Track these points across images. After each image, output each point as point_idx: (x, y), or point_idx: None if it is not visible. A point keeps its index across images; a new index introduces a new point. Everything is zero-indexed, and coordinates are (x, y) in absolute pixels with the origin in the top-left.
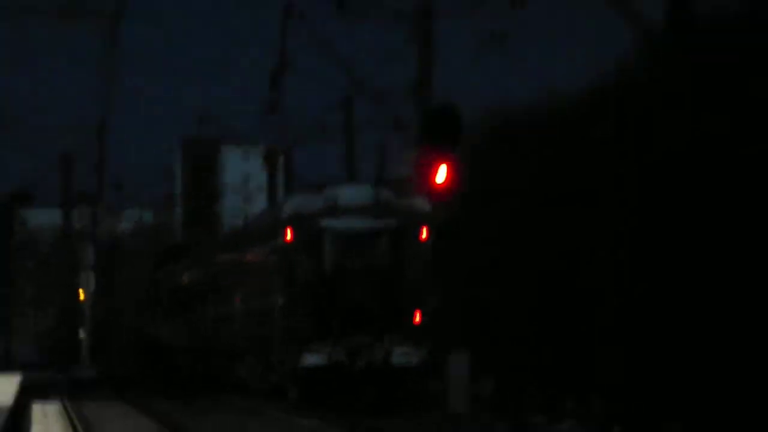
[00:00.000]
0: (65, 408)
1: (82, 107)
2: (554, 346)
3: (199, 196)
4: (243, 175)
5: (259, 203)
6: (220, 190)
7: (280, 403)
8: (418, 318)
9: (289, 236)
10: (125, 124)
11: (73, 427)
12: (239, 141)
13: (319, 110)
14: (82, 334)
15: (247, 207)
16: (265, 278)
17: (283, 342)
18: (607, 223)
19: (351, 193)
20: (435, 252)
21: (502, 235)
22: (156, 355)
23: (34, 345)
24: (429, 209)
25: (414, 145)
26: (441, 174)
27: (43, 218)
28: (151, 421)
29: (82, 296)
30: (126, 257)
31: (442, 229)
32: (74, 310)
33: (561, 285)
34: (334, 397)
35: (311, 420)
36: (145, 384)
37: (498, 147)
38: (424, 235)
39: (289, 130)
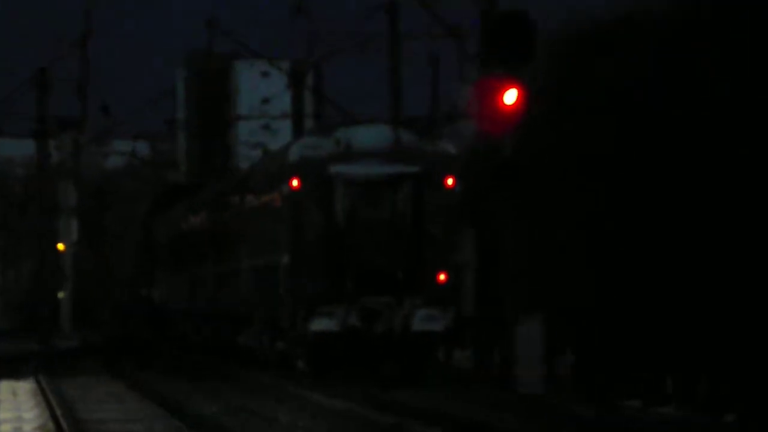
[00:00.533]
0: (40, 386)
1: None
2: (654, 313)
3: (208, 123)
4: (262, 98)
5: (283, 134)
6: (234, 116)
7: (294, 377)
8: (443, 277)
9: (295, 184)
10: (115, 35)
11: (51, 411)
12: (257, 55)
13: (356, 15)
14: (62, 294)
15: (267, 137)
16: (270, 232)
17: (290, 305)
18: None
19: (367, 135)
20: (497, 195)
21: (588, 171)
22: (150, 321)
23: (2, 308)
24: (456, 153)
25: (474, 60)
26: (509, 96)
27: (12, 150)
28: (150, 403)
29: (62, 248)
30: (116, 199)
31: (506, 165)
32: (52, 265)
33: (669, 236)
34: (347, 368)
35: (344, 401)
36: (140, 356)
37: (586, 60)
38: (450, 182)
39: (319, 40)
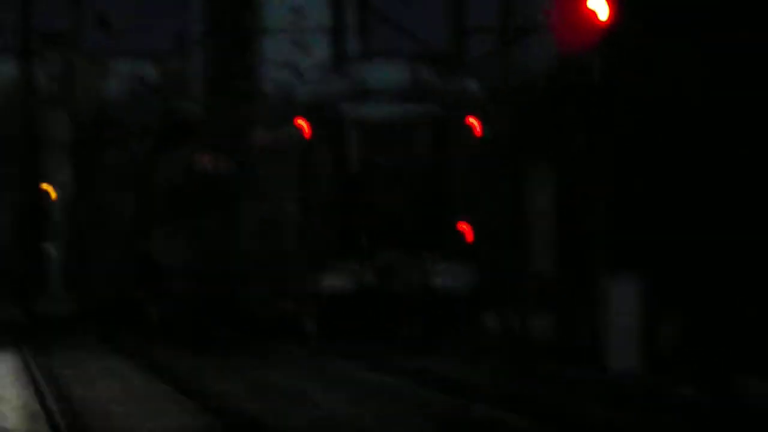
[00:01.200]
0: (26, 362)
1: None
2: None
3: (228, 39)
4: (294, 8)
5: (318, 52)
6: (260, 30)
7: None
8: (467, 231)
9: (305, 127)
10: None
11: (36, 389)
12: None
13: None
14: (51, 249)
15: (298, 56)
16: (277, 179)
17: (299, 261)
18: None
19: (383, 72)
20: (583, 128)
21: (701, 97)
22: (145, 280)
23: None
24: (480, 92)
25: None
26: (598, 4)
27: None
28: (158, 381)
29: (52, 194)
30: (117, 133)
31: (594, 90)
32: (40, 213)
33: None
34: (363, 331)
35: (379, 374)
36: (143, 323)
37: None
38: (474, 123)
39: None
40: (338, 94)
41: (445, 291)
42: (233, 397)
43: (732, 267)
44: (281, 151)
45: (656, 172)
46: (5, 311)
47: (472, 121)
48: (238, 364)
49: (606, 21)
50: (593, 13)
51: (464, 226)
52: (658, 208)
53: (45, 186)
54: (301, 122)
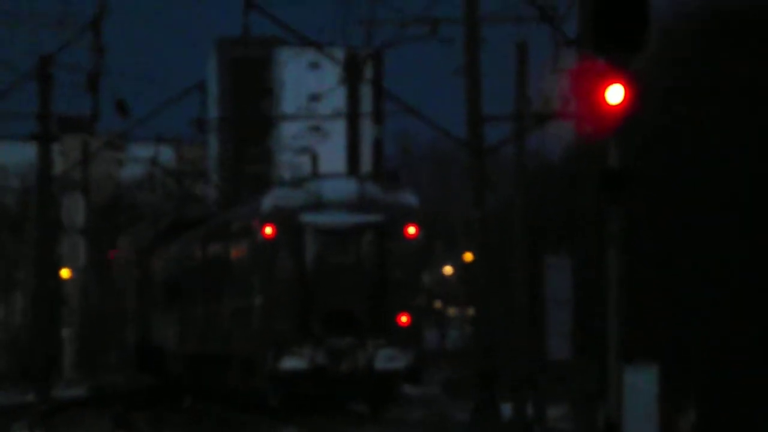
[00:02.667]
0: None
1: None
2: None
3: (244, 124)
4: (310, 94)
5: (335, 137)
6: (277, 115)
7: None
8: (404, 319)
9: (269, 232)
10: (135, 17)
11: None
12: (305, 42)
13: None
14: (66, 333)
15: (316, 141)
16: (245, 276)
17: (262, 344)
18: None
19: (334, 187)
20: (602, 207)
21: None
22: (150, 363)
23: None
24: (417, 204)
25: (570, 48)
26: (614, 93)
27: (7, 156)
28: None
29: (66, 275)
30: (132, 215)
31: (612, 176)
32: (54, 296)
33: None
34: (317, 405)
35: None
36: (158, 407)
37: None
38: (411, 231)
39: (380, 24)
40: (298, 205)
41: (386, 371)
42: None
43: (751, 354)
44: (250, 252)
45: (673, 259)
46: (19, 395)
47: (409, 227)
48: None
49: (623, 107)
50: (610, 100)
51: (404, 316)
52: (674, 296)
53: (61, 270)
54: (266, 228)
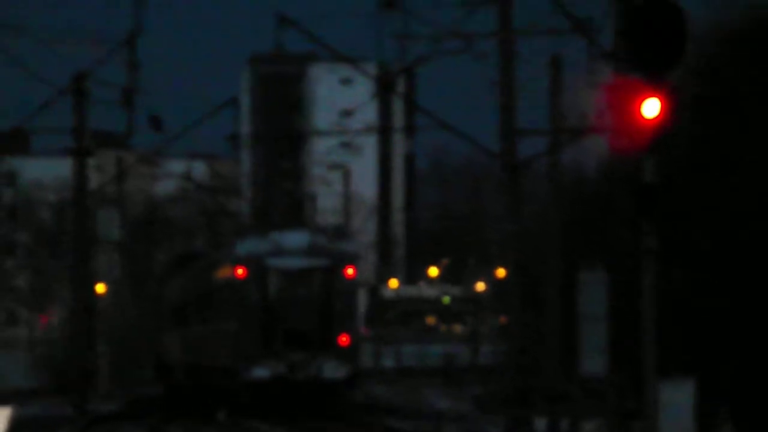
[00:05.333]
0: None
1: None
2: None
3: (277, 140)
4: (342, 109)
5: (367, 153)
6: (308, 129)
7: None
8: (345, 339)
9: (241, 272)
10: (169, 34)
11: None
12: (338, 57)
13: (459, 8)
14: (101, 346)
15: (348, 157)
16: (225, 305)
17: (237, 357)
18: None
19: (291, 237)
20: (637, 221)
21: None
22: (162, 375)
23: (29, 362)
24: (356, 252)
25: (606, 61)
26: (650, 107)
27: (42, 171)
28: None
29: (101, 289)
30: (166, 230)
31: (647, 192)
32: (89, 310)
33: None
34: (278, 404)
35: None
36: (192, 419)
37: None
38: (350, 272)
39: (413, 39)
40: (263, 252)
41: (331, 379)
42: None
43: None
44: (228, 287)
45: (708, 272)
46: (56, 408)
47: (348, 269)
48: None
49: (656, 123)
50: (646, 114)
51: (344, 336)
52: (709, 311)
53: (96, 284)
54: (239, 269)
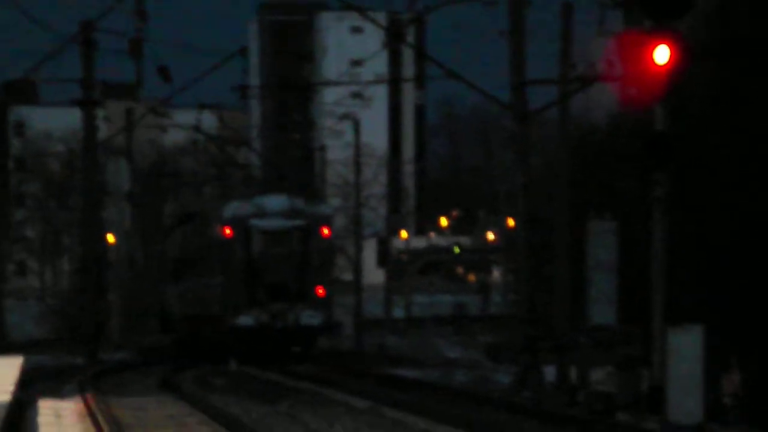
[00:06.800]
0: (88, 407)
1: None
2: None
3: (286, 90)
4: (352, 59)
5: (378, 103)
6: (318, 79)
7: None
8: (321, 291)
9: (228, 232)
10: None
11: None
12: (347, 6)
13: None
14: (111, 296)
15: (358, 107)
16: (215, 261)
17: (225, 308)
18: None
19: (272, 201)
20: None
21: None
22: (166, 325)
23: (41, 313)
24: (332, 212)
25: (616, 10)
26: (660, 54)
27: (51, 121)
28: (219, 428)
29: (111, 240)
30: (176, 181)
31: (659, 142)
32: (100, 261)
33: None
34: (261, 349)
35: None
36: (202, 369)
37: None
38: (326, 232)
39: None
40: (247, 214)
41: (308, 326)
42: None
43: None
44: (216, 245)
45: (720, 224)
46: (68, 359)
47: (324, 228)
48: (301, 413)
49: (667, 71)
50: (654, 63)
51: (320, 288)
52: (717, 259)
53: (106, 235)
54: (226, 229)
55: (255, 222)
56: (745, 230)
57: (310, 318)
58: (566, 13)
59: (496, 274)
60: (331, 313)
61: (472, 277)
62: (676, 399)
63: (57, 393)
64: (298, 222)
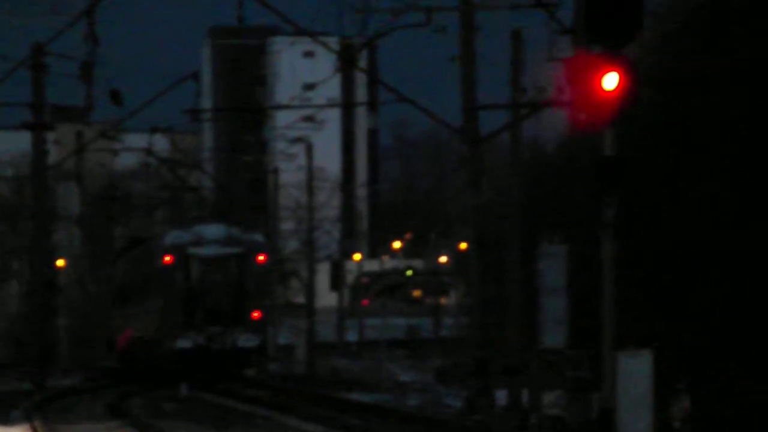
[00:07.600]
0: None
1: None
2: None
3: (239, 114)
4: (305, 83)
5: (330, 126)
6: (270, 102)
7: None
8: (256, 315)
9: (167, 259)
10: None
11: None
12: (300, 31)
13: None
14: (61, 321)
15: (310, 131)
16: (156, 286)
17: (165, 331)
18: None
19: (210, 229)
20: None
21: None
22: (110, 348)
23: None
24: (265, 241)
25: (565, 36)
26: (610, 80)
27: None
28: None
29: (61, 264)
30: (127, 205)
31: (609, 166)
32: (50, 285)
33: None
34: (199, 371)
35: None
36: (153, 395)
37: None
38: (261, 258)
39: (375, 12)
40: (186, 242)
41: (244, 348)
42: None
43: (744, 341)
44: (159, 271)
45: (665, 247)
46: (16, 383)
47: (259, 256)
48: None
49: (616, 96)
50: (603, 89)
51: (256, 312)
52: (667, 284)
53: (57, 260)
54: (166, 257)
55: (193, 250)
56: (693, 255)
57: (246, 341)
58: (516, 39)
59: (453, 296)
60: (267, 337)
61: (428, 300)
62: (626, 422)
63: (4, 419)
64: (234, 249)
